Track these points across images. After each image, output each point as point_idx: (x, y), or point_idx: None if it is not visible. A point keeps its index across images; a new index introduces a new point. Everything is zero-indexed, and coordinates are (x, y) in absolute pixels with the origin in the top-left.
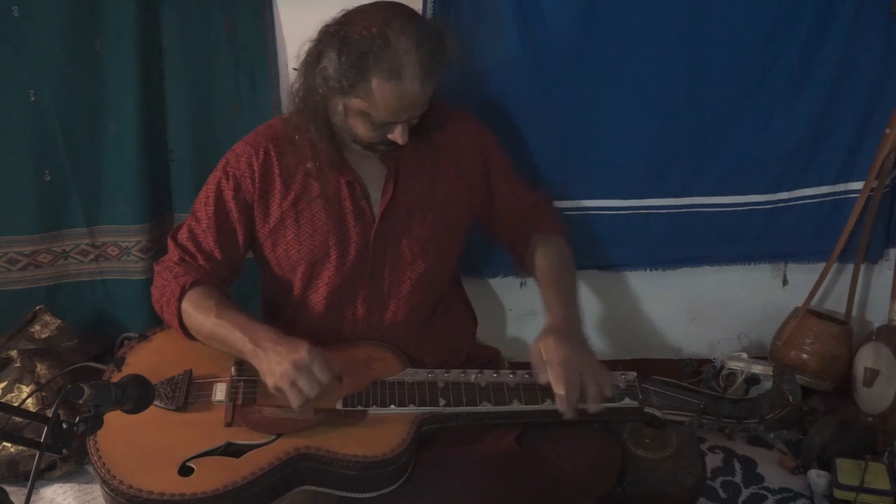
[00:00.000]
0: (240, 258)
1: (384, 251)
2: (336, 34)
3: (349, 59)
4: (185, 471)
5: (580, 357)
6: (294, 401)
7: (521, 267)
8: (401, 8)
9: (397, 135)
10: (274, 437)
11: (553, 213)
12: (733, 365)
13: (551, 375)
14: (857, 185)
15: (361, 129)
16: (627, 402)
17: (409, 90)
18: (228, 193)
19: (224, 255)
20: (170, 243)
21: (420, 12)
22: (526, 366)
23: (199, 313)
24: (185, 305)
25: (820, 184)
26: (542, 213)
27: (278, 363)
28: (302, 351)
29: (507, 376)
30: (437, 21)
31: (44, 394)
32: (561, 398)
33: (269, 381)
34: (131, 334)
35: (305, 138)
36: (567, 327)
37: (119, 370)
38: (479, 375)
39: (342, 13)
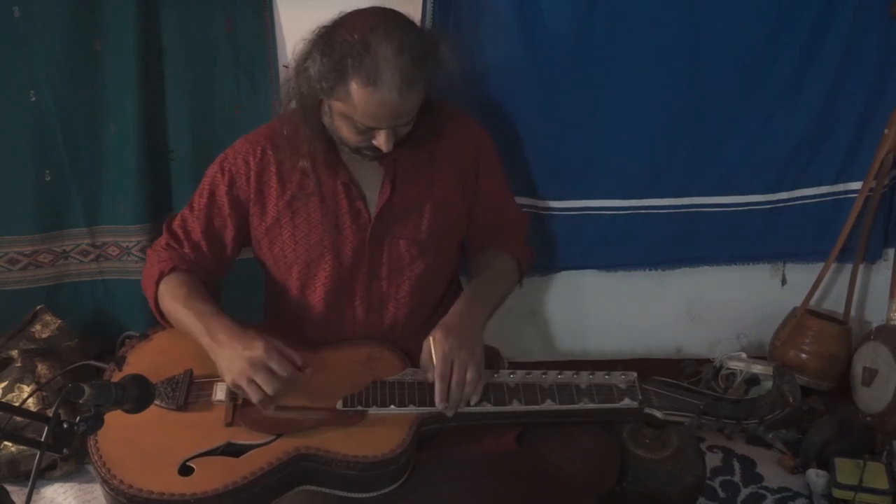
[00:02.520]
0: (228, 253)
1: (381, 252)
2: (324, 36)
3: (330, 62)
4: (185, 470)
5: (461, 352)
6: (254, 397)
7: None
8: (392, 15)
9: (381, 141)
10: (274, 437)
11: (521, 240)
12: (733, 365)
13: (435, 371)
14: (857, 185)
15: (345, 131)
16: (627, 402)
17: (388, 97)
18: (222, 188)
19: (210, 247)
20: (164, 228)
21: (420, 13)
22: (526, 366)
23: (171, 299)
24: (162, 289)
25: (819, 184)
26: (512, 234)
27: (234, 360)
28: (257, 348)
29: (507, 377)
30: (432, 32)
31: (44, 393)
32: (437, 392)
33: (227, 377)
34: (132, 333)
35: (300, 135)
36: (458, 323)
37: (120, 369)
38: None
39: (339, 14)
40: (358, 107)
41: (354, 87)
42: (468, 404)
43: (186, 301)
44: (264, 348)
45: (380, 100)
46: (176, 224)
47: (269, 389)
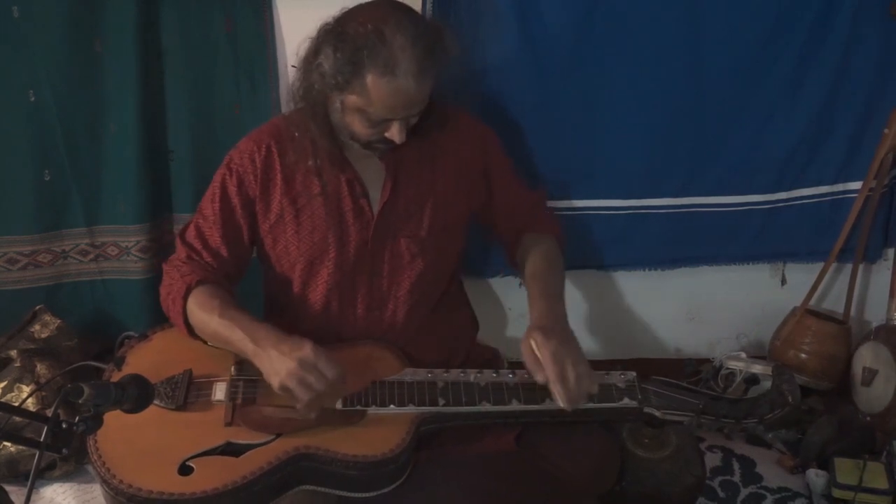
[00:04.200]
0: (246, 254)
1: (383, 250)
2: (333, 31)
3: (344, 55)
4: (184, 470)
5: (567, 350)
6: (303, 397)
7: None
8: (398, 6)
9: (394, 133)
10: (273, 436)
11: (548, 215)
12: (732, 364)
13: (548, 372)
14: (856, 185)
15: (358, 126)
16: (627, 401)
17: (405, 86)
18: (232, 189)
19: (230, 251)
20: (177, 242)
21: (419, 12)
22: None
23: (203, 312)
24: (191, 304)
25: (819, 184)
26: (537, 214)
27: (283, 362)
28: (306, 348)
29: (507, 376)
30: (435, 20)
31: (44, 393)
32: (560, 394)
33: (275, 380)
34: (131, 334)
35: (306, 136)
36: (551, 322)
37: (119, 370)
38: (478, 375)
39: (342, 11)
40: (374, 98)
41: (371, 78)
42: (589, 398)
43: (222, 311)
44: (312, 349)
45: (396, 89)
46: (190, 235)
47: (319, 387)
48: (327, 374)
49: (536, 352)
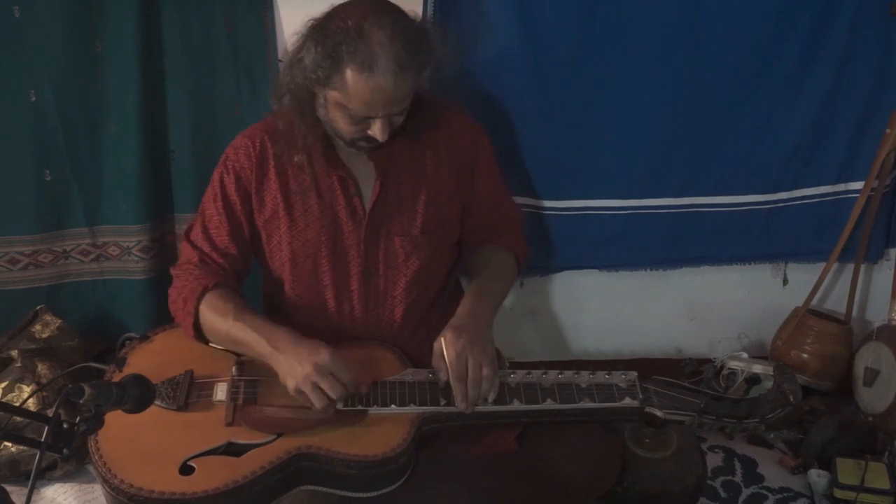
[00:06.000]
0: (249, 251)
1: (377, 249)
2: (316, 27)
3: (324, 50)
4: (186, 470)
5: (474, 350)
6: (318, 403)
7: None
8: (381, 4)
9: (376, 131)
10: (275, 436)
11: (518, 235)
12: (733, 364)
13: (450, 370)
14: (857, 185)
15: (341, 123)
16: (628, 401)
17: (383, 83)
18: (231, 187)
19: (238, 248)
20: (185, 245)
21: (420, 12)
22: (526, 365)
23: (216, 315)
24: (203, 307)
25: (820, 184)
26: (508, 229)
27: (299, 365)
28: (323, 353)
29: (508, 376)
30: (422, 19)
31: (45, 394)
32: (457, 393)
33: (290, 383)
34: (132, 335)
35: (295, 130)
36: (467, 322)
37: (120, 370)
38: None
39: (329, 7)
40: (353, 94)
41: (350, 74)
42: (486, 402)
43: (236, 314)
44: (330, 354)
45: (375, 86)
46: (198, 237)
47: (334, 394)
48: (343, 380)
49: (444, 350)
